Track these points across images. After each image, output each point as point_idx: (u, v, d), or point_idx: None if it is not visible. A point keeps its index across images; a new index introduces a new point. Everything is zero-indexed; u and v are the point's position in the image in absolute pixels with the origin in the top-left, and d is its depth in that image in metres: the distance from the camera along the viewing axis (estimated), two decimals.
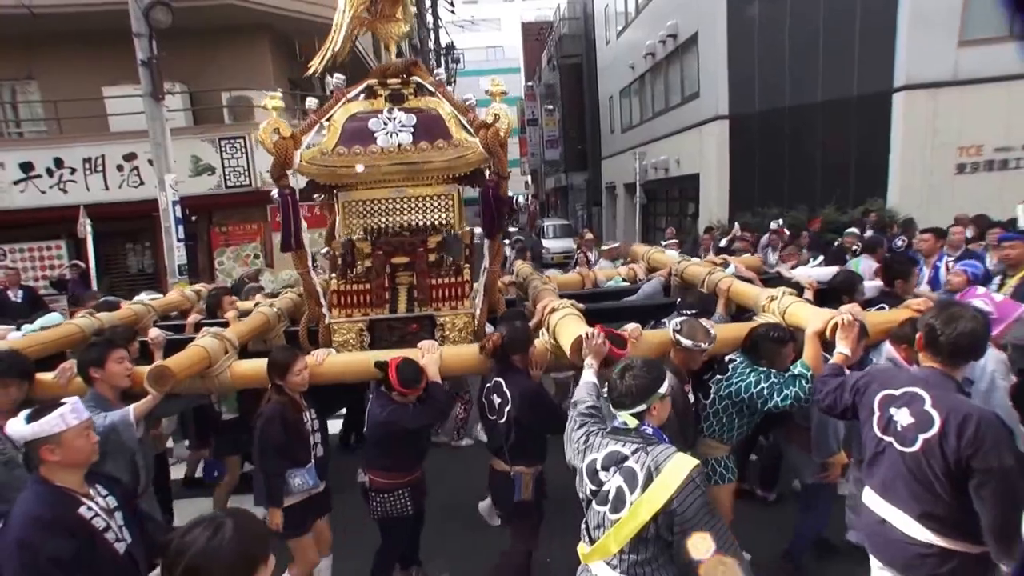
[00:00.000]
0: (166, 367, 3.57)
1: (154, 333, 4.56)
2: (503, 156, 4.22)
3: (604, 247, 10.41)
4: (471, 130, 4.40)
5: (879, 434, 2.82)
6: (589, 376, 3.17)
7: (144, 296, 6.13)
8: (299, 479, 3.87)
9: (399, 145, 4.30)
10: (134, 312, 5.28)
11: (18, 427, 2.52)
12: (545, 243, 23.08)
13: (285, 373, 3.77)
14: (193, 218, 11.95)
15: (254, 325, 4.60)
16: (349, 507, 4.42)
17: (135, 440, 3.54)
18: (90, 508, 2.56)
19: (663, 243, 10.38)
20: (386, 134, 4.31)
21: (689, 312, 4.15)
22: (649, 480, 2.41)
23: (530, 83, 43.74)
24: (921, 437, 2.61)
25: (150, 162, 10.03)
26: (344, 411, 6.82)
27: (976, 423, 2.48)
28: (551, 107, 36.76)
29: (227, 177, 11.79)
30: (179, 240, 9.59)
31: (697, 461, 2.43)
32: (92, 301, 6.36)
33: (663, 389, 2.61)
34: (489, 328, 4.62)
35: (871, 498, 2.92)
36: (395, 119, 4.34)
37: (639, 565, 2.47)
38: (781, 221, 11.51)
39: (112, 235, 12.12)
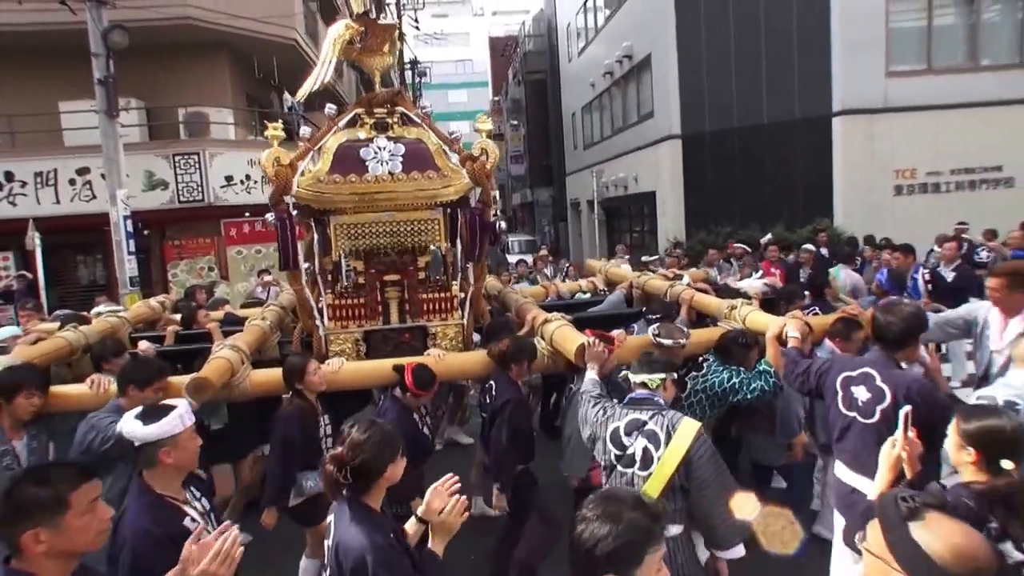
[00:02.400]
0: (206, 378, 3.81)
1: (144, 345, 4.82)
2: (488, 186, 4.70)
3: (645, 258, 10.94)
4: (457, 161, 4.77)
5: (844, 411, 3.43)
6: (592, 375, 3.78)
7: (102, 307, 6.32)
8: (311, 481, 4.07)
9: (391, 174, 4.59)
10: (111, 325, 5.35)
11: (136, 428, 2.50)
12: (510, 258, 23.30)
13: (302, 375, 4.06)
14: (146, 232, 12.13)
15: (254, 337, 4.74)
16: None
17: None
18: (193, 519, 2.57)
19: (618, 259, 10.79)
20: (378, 163, 4.61)
21: (655, 318, 4.95)
22: (669, 437, 2.99)
23: (497, 98, 44.06)
24: (878, 408, 3.25)
25: (103, 176, 10.15)
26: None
27: (918, 388, 3.19)
28: (516, 122, 37.07)
29: (180, 192, 11.92)
30: (130, 253, 9.79)
31: (700, 423, 3.06)
32: (35, 312, 6.53)
33: (675, 373, 3.34)
34: (476, 337, 5.19)
35: (842, 471, 3.49)
36: (385, 148, 4.65)
37: (670, 514, 2.93)
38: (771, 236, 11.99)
39: (63, 247, 12.21)
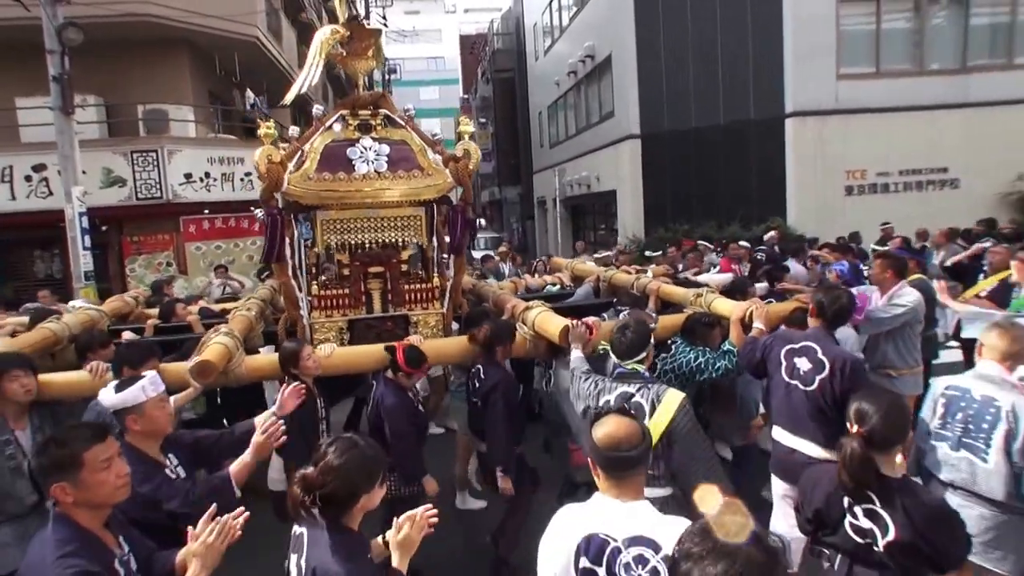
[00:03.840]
0: (210, 361, 3.94)
1: (128, 336, 4.95)
2: (470, 185, 4.97)
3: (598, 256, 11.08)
4: (439, 161, 4.98)
5: (787, 379, 3.76)
6: (577, 354, 4.05)
7: (79, 302, 6.44)
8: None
9: (377, 172, 4.79)
10: (90, 317, 5.45)
11: (108, 395, 2.80)
12: (476, 254, 23.42)
13: (297, 361, 4.16)
14: (104, 228, 12.10)
15: (243, 326, 4.85)
16: None
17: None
18: (171, 471, 2.91)
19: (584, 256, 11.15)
20: (364, 162, 4.80)
21: (623, 308, 5.40)
22: (654, 409, 3.23)
23: (466, 96, 44.09)
24: (817, 378, 3.60)
25: (60, 173, 10.15)
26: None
27: (851, 364, 3.58)
28: (484, 120, 37.15)
29: (138, 189, 11.89)
30: (85, 248, 9.78)
31: (683, 395, 3.29)
32: None
33: (652, 340, 3.58)
34: (454, 325, 5.38)
35: (780, 434, 3.82)
36: (371, 148, 4.85)
37: (653, 478, 3.17)
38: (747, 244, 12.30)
39: (19, 243, 12.28)
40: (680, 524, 2.00)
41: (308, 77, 4.87)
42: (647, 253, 12.31)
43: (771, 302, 5.40)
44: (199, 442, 3.27)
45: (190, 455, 3.17)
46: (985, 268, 6.96)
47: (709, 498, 2.96)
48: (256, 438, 3.01)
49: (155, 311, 6.41)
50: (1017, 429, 3.01)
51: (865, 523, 2.51)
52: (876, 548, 2.47)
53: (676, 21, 16.18)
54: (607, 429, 2.17)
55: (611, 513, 2.13)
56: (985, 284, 6.40)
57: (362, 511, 2.29)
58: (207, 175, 12.67)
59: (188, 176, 12.35)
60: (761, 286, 6.62)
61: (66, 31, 9.12)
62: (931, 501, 2.53)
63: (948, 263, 9.12)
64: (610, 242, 18.20)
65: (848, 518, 2.57)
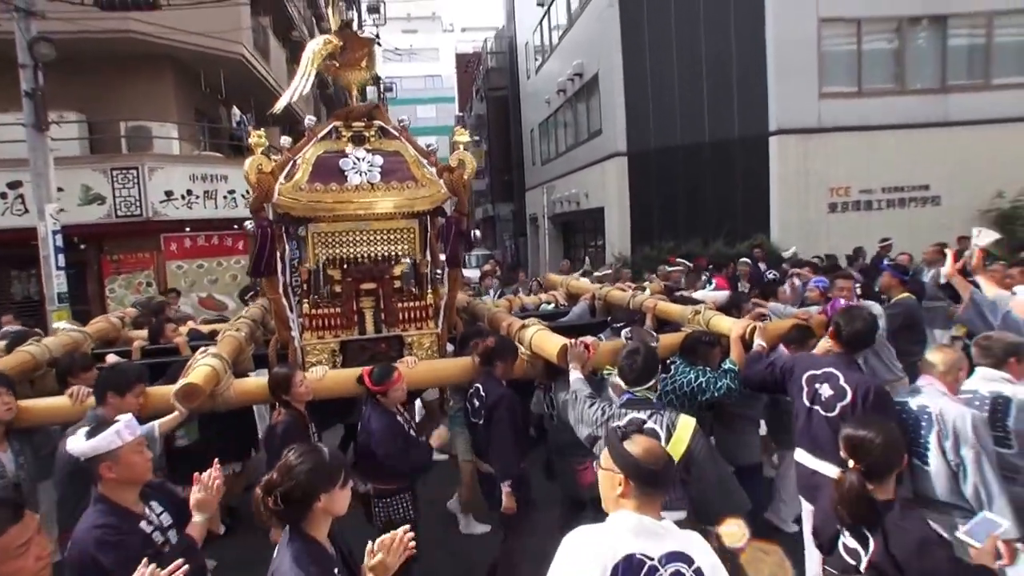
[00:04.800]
0: (196, 384, 3.79)
1: (112, 359, 4.82)
2: (464, 196, 4.90)
3: (598, 273, 11.14)
4: (433, 172, 4.93)
5: (808, 404, 3.79)
6: (577, 375, 3.95)
7: (63, 324, 6.28)
8: None
9: (370, 183, 4.73)
10: (73, 339, 5.28)
11: (78, 443, 2.55)
12: (466, 272, 23.38)
13: (289, 387, 4.09)
14: (82, 246, 12.03)
15: (232, 348, 4.71)
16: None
17: (157, 458, 3.47)
18: (150, 522, 2.63)
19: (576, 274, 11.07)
20: (357, 173, 4.75)
21: (620, 327, 5.25)
22: (669, 435, 3.20)
23: (461, 114, 44.27)
24: (839, 405, 3.62)
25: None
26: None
27: (874, 391, 3.57)
28: (478, 138, 37.26)
29: (118, 207, 11.79)
30: (59, 268, 9.62)
31: (695, 419, 3.30)
32: None
33: (662, 368, 3.53)
34: (449, 347, 5.28)
35: (803, 456, 3.87)
36: (364, 159, 4.80)
37: (670, 503, 3.08)
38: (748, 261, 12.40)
39: None
40: (698, 537, 2.21)
41: (299, 87, 4.81)
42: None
43: (768, 319, 5.41)
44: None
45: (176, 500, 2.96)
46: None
47: (735, 534, 3.06)
48: (195, 496, 2.71)
49: (143, 332, 6.24)
50: (946, 429, 3.29)
51: (851, 542, 2.61)
52: (860, 570, 2.56)
53: (661, 40, 16.27)
54: (645, 445, 2.23)
55: (644, 531, 2.14)
56: None
57: (325, 516, 2.29)
58: (189, 192, 12.56)
59: (169, 194, 12.26)
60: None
61: (38, 46, 9.06)
62: (914, 527, 2.53)
63: (942, 280, 9.02)
64: (595, 260, 18.19)
65: (841, 538, 2.68)
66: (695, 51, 15.99)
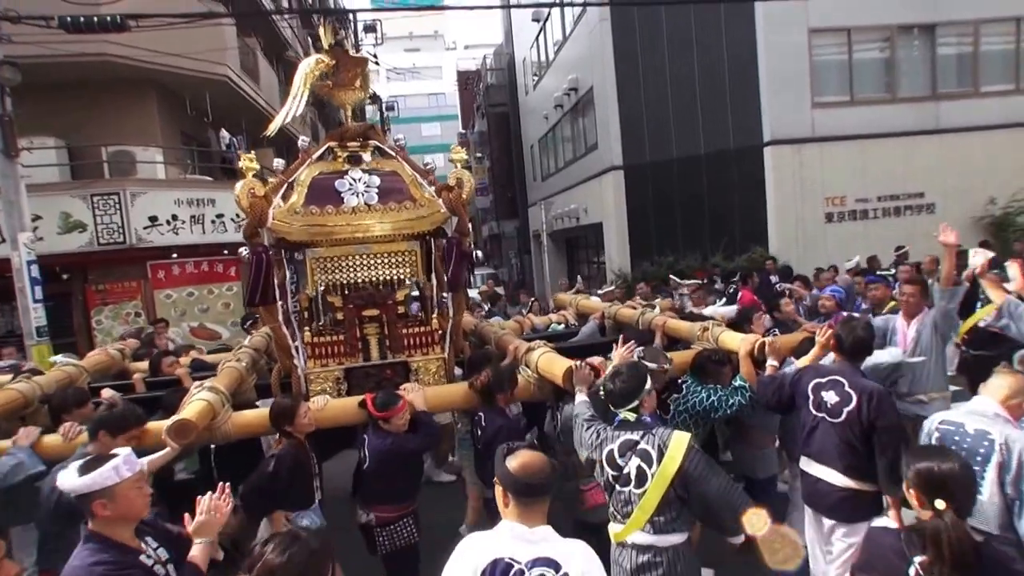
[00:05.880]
0: (188, 420, 3.71)
1: (108, 393, 4.72)
2: (465, 216, 4.81)
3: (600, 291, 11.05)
4: (432, 191, 4.83)
5: (814, 412, 3.85)
6: (581, 397, 3.90)
7: (60, 358, 6.13)
8: (307, 520, 4.11)
9: (367, 205, 4.64)
10: (67, 374, 5.22)
11: (71, 479, 2.40)
12: (471, 292, 23.23)
13: (292, 418, 4.03)
14: (65, 276, 11.85)
15: (231, 379, 4.66)
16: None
17: None
18: (149, 556, 2.50)
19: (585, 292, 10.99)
20: (353, 194, 4.65)
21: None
22: (661, 455, 3.15)
23: (463, 131, 44.29)
24: (845, 410, 3.69)
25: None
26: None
27: (878, 395, 3.64)
28: (480, 155, 37.21)
29: (100, 234, 11.55)
30: (36, 301, 9.37)
31: (689, 434, 3.24)
32: None
33: (648, 385, 3.43)
34: (457, 371, 5.19)
35: (808, 465, 3.93)
36: (360, 180, 4.70)
37: (666, 524, 3.15)
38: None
39: None
40: (579, 545, 2.28)
41: (292, 109, 4.71)
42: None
43: (775, 333, 5.49)
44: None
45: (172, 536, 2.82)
46: (982, 297, 6.69)
47: (756, 522, 3.01)
48: (196, 520, 2.62)
49: (143, 364, 6.17)
50: (1009, 461, 3.09)
51: None
52: None
53: (654, 53, 16.15)
54: (522, 460, 2.34)
55: (516, 538, 2.26)
56: (982, 313, 6.18)
57: None
58: (175, 217, 12.34)
59: (153, 219, 12.05)
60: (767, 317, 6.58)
61: (3, 70, 8.90)
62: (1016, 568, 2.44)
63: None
64: (594, 277, 17.97)
65: None
66: (688, 63, 15.88)
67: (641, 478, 3.19)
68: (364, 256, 4.70)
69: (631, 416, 3.38)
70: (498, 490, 2.38)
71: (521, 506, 2.30)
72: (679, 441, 3.18)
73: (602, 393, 3.57)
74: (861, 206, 15.08)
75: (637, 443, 3.24)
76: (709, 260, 15.06)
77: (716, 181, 15.78)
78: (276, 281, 4.58)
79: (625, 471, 3.24)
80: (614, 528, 3.34)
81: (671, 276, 12.31)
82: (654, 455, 3.17)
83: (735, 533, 3.19)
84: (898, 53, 15.10)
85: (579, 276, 15.90)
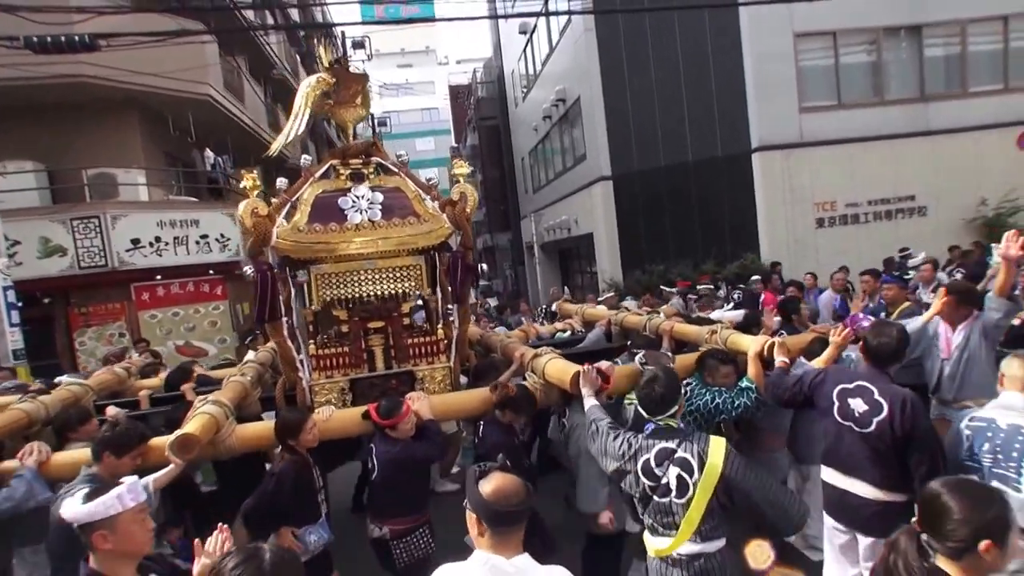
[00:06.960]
0: (192, 434, 3.68)
1: (113, 411, 4.72)
2: (469, 230, 4.89)
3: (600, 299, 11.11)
4: (436, 206, 4.87)
5: (840, 420, 3.64)
6: (592, 401, 3.83)
7: (65, 378, 6.14)
8: (314, 536, 4.04)
9: (371, 221, 4.65)
10: (72, 393, 5.23)
11: (73, 508, 2.29)
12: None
13: (298, 433, 3.98)
14: (46, 300, 11.75)
15: (235, 393, 4.64)
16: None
17: (154, 512, 3.29)
18: None
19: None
20: (357, 211, 4.66)
21: (637, 351, 5.07)
22: (702, 462, 3.08)
23: (456, 145, 44.34)
24: (875, 420, 3.47)
25: None
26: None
27: (910, 402, 3.42)
28: (473, 168, 37.11)
29: (81, 257, 11.45)
30: (12, 325, 9.30)
31: (724, 439, 3.18)
32: None
33: (683, 391, 3.39)
34: (463, 379, 5.19)
35: (832, 475, 3.73)
36: (363, 197, 4.71)
37: (711, 531, 3.13)
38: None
39: None
40: (560, 572, 2.20)
41: (294, 128, 4.74)
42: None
43: (783, 334, 5.36)
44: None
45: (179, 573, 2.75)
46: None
47: (760, 555, 3.03)
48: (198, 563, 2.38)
49: (150, 382, 6.24)
50: None
51: None
52: None
53: (639, 61, 16.07)
54: (496, 484, 2.18)
55: (492, 570, 2.14)
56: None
57: None
58: (158, 239, 12.21)
59: (136, 241, 11.94)
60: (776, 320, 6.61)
61: None
62: None
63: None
64: (588, 288, 17.84)
65: None
66: (674, 71, 15.79)
67: (683, 487, 3.12)
68: (369, 271, 4.71)
69: (672, 423, 3.30)
70: (470, 517, 2.22)
71: (496, 536, 2.17)
72: (717, 446, 3.14)
73: (631, 401, 3.54)
74: (852, 210, 14.96)
75: (675, 451, 3.17)
76: (700, 267, 14.89)
77: (705, 189, 15.67)
78: (281, 298, 4.59)
79: (664, 481, 3.17)
80: (656, 542, 3.27)
81: (661, 287, 12.26)
82: (694, 463, 3.11)
83: (787, 533, 3.20)
84: (885, 55, 15.02)
85: (565, 287, 15.73)
